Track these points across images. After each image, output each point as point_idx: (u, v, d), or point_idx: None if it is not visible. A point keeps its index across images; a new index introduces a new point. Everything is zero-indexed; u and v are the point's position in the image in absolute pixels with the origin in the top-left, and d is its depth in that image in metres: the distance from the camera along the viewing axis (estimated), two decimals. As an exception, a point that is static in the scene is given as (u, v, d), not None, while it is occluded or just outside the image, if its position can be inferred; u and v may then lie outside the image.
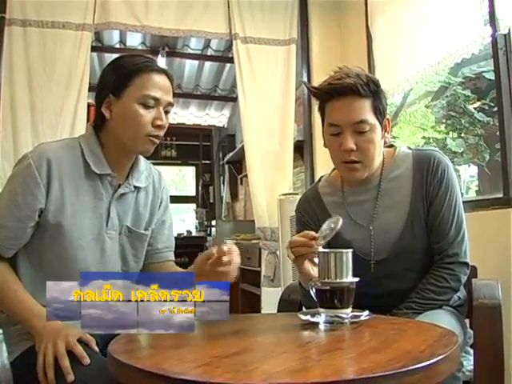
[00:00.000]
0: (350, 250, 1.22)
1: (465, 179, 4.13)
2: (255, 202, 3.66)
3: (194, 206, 8.44)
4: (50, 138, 3.02)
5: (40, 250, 1.40)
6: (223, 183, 7.66)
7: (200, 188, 8.28)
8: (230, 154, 6.74)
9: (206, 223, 7.83)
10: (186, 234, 7.72)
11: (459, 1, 2.47)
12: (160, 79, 1.42)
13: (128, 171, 1.50)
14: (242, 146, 5.40)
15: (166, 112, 1.45)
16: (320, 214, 1.61)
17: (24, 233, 1.37)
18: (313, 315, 1.22)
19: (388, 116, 1.52)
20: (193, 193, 8.72)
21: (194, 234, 7.90)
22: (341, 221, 1.29)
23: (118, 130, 1.42)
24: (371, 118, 1.44)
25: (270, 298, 3.41)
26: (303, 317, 1.23)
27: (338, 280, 1.19)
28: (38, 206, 1.36)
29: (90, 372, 1.18)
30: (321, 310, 1.20)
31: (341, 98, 1.44)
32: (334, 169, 1.66)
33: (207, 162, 8.37)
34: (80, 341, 1.23)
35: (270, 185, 3.64)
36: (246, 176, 6.05)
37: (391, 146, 1.61)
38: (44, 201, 1.36)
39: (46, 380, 1.19)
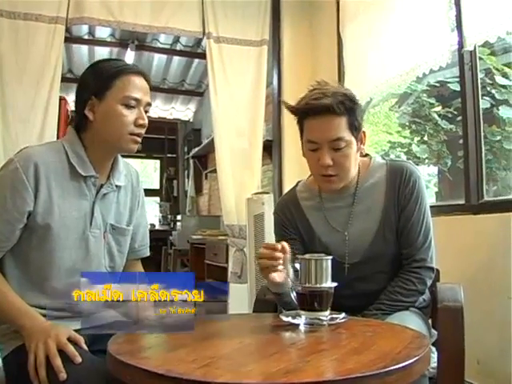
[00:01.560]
0: (330, 257, 1.30)
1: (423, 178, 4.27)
2: (224, 199, 3.70)
3: (157, 199, 8.41)
4: (21, 131, 3.02)
5: (27, 251, 1.42)
6: (188, 177, 7.65)
7: (164, 181, 8.25)
8: (196, 149, 6.74)
9: (169, 217, 7.81)
10: (149, 227, 7.65)
11: (428, 14, 2.58)
12: (139, 81, 1.48)
13: (109, 171, 1.55)
14: (208, 142, 5.42)
15: (145, 112, 1.51)
16: (298, 217, 1.68)
17: (13, 235, 1.39)
18: (293, 317, 1.29)
19: (364, 129, 1.59)
20: (155, 185, 8.69)
21: (157, 227, 7.87)
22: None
23: (102, 130, 1.47)
24: (347, 134, 1.50)
25: (236, 294, 3.47)
26: (285, 318, 1.29)
27: (317, 285, 1.27)
28: (26, 208, 1.38)
29: (82, 370, 1.21)
30: (301, 312, 1.28)
31: (317, 117, 1.49)
32: (311, 174, 1.74)
33: (172, 155, 8.35)
34: (69, 340, 1.26)
35: (239, 183, 3.69)
36: (211, 171, 6.08)
37: (367, 155, 1.69)
38: (32, 203, 1.39)
39: (38, 379, 1.22)
